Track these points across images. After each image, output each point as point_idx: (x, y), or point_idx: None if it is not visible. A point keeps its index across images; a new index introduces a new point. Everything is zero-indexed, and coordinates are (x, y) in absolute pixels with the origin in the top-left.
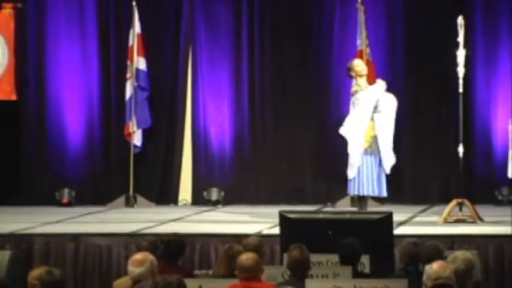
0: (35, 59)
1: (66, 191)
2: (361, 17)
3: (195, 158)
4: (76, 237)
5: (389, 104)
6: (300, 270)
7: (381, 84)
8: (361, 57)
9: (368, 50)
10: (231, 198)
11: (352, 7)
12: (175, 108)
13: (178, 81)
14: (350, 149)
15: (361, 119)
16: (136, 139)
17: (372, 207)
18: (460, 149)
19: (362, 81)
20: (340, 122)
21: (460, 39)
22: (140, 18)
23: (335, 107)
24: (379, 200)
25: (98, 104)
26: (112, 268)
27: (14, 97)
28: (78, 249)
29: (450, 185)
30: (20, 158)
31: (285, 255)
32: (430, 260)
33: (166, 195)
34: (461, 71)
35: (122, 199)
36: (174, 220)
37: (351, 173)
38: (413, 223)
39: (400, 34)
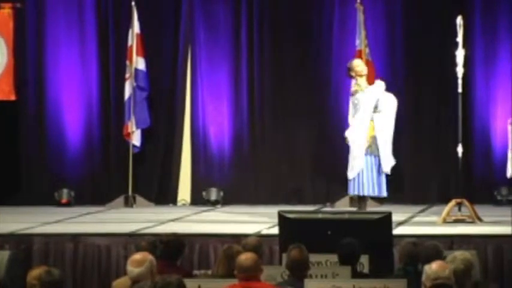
0: (34, 59)
1: (65, 191)
2: (360, 17)
3: (194, 158)
4: (75, 237)
5: (390, 103)
6: (299, 270)
7: (380, 84)
8: (360, 57)
9: (367, 50)
10: (230, 198)
11: (351, 7)
12: (174, 108)
13: (177, 81)
14: (353, 150)
15: (361, 120)
16: (136, 139)
17: (371, 207)
18: (459, 149)
19: (362, 81)
20: (339, 121)
21: (459, 39)
22: (139, 18)
23: (334, 107)
24: (378, 200)
25: (97, 104)
26: (111, 268)
27: (13, 97)
28: (77, 249)
29: (449, 185)
30: (19, 158)
31: (284, 255)
32: (429, 260)
33: (165, 195)
34: (460, 71)
35: (121, 199)
36: (173, 220)
37: (351, 173)
38: (413, 223)
39: (399, 34)
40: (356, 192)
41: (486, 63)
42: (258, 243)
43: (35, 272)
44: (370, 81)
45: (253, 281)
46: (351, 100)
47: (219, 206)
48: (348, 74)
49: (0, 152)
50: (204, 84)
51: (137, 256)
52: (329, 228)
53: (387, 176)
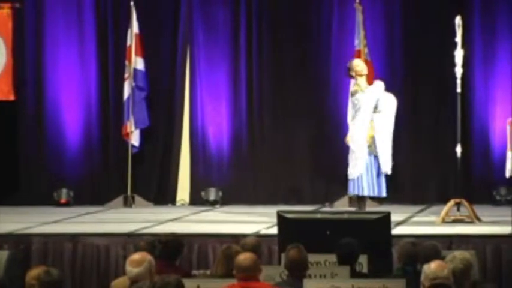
0: (33, 59)
1: (64, 191)
2: (359, 17)
3: (193, 158)
4: (74, 237)
5: (390, 104)
6: (297, 270)
7: (380, 84)
8: (359, 57)
9: (366, 50)
10: (229, 198)
11: (350, 7)
12: (173, 109)
13: (176, 82)
14: (354, 150)
15: (361, 120)
16: (134, 139)
17: (370, 207)
18: (458, 149)
19: (362, 81)
20: (338, 121)
21: (458, 39)
22: (138, 19)
23: (333, 107)
24: (377, 200)
25: (96, 104)
26: (110, 268)
27: (12, 97)
28: (76, 249)
29: (448, 185)
30: (18, 158)
31: (283, 255)
32: (428, 260)
33: (164, 195)
34: (459, 71)
35: (120, 199)
36: (172, 220)
37: (354, 172)
38: (411, 223)
39: (398, 34)
40: (355, 192)
41: (485, 63)
42: (257, 243)
43: (34, 272)
44: (369, 82)
45: (252, 281)
46: (351, 100)
47: (217, 206)
48: (348, 73)
49: None
50: (203, 84)
51: (136, 256)
52: (328, 228)
53: (387, 175)
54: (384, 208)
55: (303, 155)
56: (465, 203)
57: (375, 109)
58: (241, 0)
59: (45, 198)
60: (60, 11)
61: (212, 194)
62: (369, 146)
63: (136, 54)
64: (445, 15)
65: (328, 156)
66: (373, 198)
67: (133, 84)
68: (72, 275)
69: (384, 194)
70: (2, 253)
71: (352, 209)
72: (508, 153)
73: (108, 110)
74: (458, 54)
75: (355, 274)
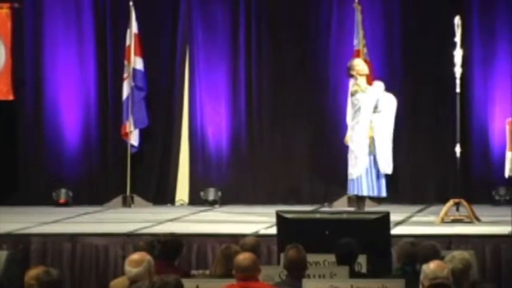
0: (32, 59)
1: (63, 191)
2: (358, 16)
3: (192, 158)
4: (73, 237)
5: (390, 104)
6: (296, 270)
7: (379, 85)
8: (358, 56)
9: (365, 50)
10: (228, 198)
11: (349, 7)
12: (172, 108)
13: (175, 81)
14: (354, 150)
15: (361, 120)
16: (133, 139)
17: (369, 207)
18: (457, 149)
19: (362, 80)
20: (337, 122)
21: (457, 39)
22: (137, 18)
23: (332, 107)
24: (376, 200)
25: (95, 103)
26: (109, 268)
27: (10, 97)
28: (75, 249)
29: (447, 184)
30: (17, 157)
31: (282, 255)
32: (427, 260)
33: (163, 195)
34: (458, 71)
35: (118, 199)
36: (171, 220)
37: (354, 172)
38: (411, 223)
39: (397, 34)
40: (355, 192)
41: (484, 63)
42: (256, 243)
43: (33, 272)
44: (368, 82)
45: (251, 281)
46: (350, 100)
47: (217, 206)
48: (348, 73)
49: None
50: (202, 84)
51: (135, 256)
52: (327, 228)
53: (386, 176)
54: (383, 208)
55: (302, 155)
56: (464, 203)
57: (375, 109)
58: None
59: (44, 198)
60: (59, 11)
61: (211, 194)
62: (369, 146)
63: (135, 54)
64: (444, 15)
65: (327, 156)
66: (372, 198)
67: (133, 84)
68: (71, 275)
69: (383, 194)
70: (1, 253)
71: (351, 209)
72: (507, 153)
73: (107, 110)
74: (458, 54)
75: (354, 274)
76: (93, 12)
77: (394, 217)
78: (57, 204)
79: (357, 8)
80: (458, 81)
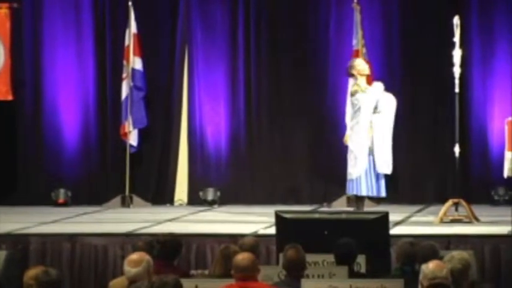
0: (31, 59)
1: (62, 191)
2: (357, 16)
3: (191, 158)
4: (72, 237)
5: (389, 104)
6: (295, 270)
7: (379, 86)
8: (357, 56)
9: (364, 50)
10: (227, 198)
11: (348, 7)
12: (171, 108)
13: (174, 81)
14: (353, 150)
15: (361, 121)
16: (132, 139)
17: (368, 207)
18: (456, 149)
19: (362, 80)
20: (336, 121)
21: (456, 39)
22: (136, 18)
23: (331, 107)
24: (375, 200)
25: (94, 103)
26: (108, 268)
27: (10, 97)
28: (74, 249)
29: (446, 185)
30: (16, 158)
31: (281, 255)
32: (426, 260)
33: (162, 195)
34: (457, 71)
35: (117, 199)
36: (170, 220)
37: (353, 172)
38: (410, 223)
39: (396, 34)
40: (354, 192)
41: (483, 63)
42: (255, 243)
43: (32, 272)
44: (368, 82)
45: (250, 281)
46: (350, 100)
47: (216, 206)
48: (349, 72)
49: None
50: (201, 84)
51: (134, 256)
52: (326, 228)
53: (386, 176)
54: (382, 208)
55: (301, 155)
56: (463, 203)
57: (375, 110)
58: None
59: (43, 198)
60: (58, 11)
61: (210, 194)
62: (369, 146)
63: (134, 54)
64: (443, 15)
65: (326, 156)
66: (371, 198)
67: (132, 84)
68: (70, 275)
69: (383, 194)
70: (0, 253)
71: (350, 209)
72: (506, 153)
73: (106, 110)
74: (457, 54)
75: (353, 274)
76: (92, 12)
77: (393, 217)
78: (56, 204)
79: (356, 8)
80: (457, 81)
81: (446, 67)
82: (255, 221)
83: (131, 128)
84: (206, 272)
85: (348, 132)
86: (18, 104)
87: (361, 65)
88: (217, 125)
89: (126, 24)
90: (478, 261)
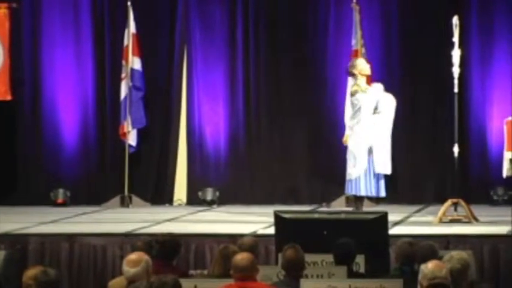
0: (30, 59)
1: (61, 191)
2: (356, 16)
3: (190, 158)
4: (71, 237)
5: (389, 104)
6: (294, 270)
7: (379, 87)
8: (356, 56)
9: (363, 50)
10: (226, 198)
11: (347, 7)
12: (170, 108)
13: (173, 81)
14: (352, 149)
15: (361, 121)
16: (131, 139)
17: (367, 207)
18: (455, 149)
19: (362, 81)
20: (335, 121)
21: (455, 39)
22: (135, 18)
23: (330, 107)
24: (374, 200)
25: (93, 103)
26: (107, 268)
27: (9, 97)
28: (73, 249)
29: (445, 185)
30: (15, 158)
31: (280, 255)
32: (425, 260)
33: (161, 195)
34: (456, 71)
35: (116, 199)
36: (169, 220)
37: (353, 172)
38: (409, 223)
39: (395, 34)
40: (354, 192)
41: (482, 63)
42: (254, 243)
43: (31, 272)
44: (367, 82)
45: (249, 281)
46: (350, 100)
47: (215, 206)
48: (350, 71)
49: None
50: (200, 84)
51: (133, 256)
52: (325, 228)
53: (385, 176)
54: (381, 208)
55: (300, 155)
56: (462, 203)
57: (375, 110)
58: None
59: (42, 198)
60: (57, 11)
61: (209, 194)
62: (368, 147)
63: (133, 54)
64: (443, 15)
65: (325, 156)
66: (370, 198)
67: (130, 84)
68: (69, 275)
69: (382, 194)
70: None
71: (349, 209)
72: (505, 153)
73: (105, 110)
74: (456, 54)
75: (352, 274)
76: (91, 12)
77: (392, 217)
78: (55, 204)
79: (355, 8)
80: (456, 81)
81: (445, 67)
82: (254, 221)
83: (130, 128)
84: (205, 272)
85: (348, 132)
86: (17, 104)
87: (362, 65)
88: (216, 125)
89: (125, 24)
90: (477, 261)
